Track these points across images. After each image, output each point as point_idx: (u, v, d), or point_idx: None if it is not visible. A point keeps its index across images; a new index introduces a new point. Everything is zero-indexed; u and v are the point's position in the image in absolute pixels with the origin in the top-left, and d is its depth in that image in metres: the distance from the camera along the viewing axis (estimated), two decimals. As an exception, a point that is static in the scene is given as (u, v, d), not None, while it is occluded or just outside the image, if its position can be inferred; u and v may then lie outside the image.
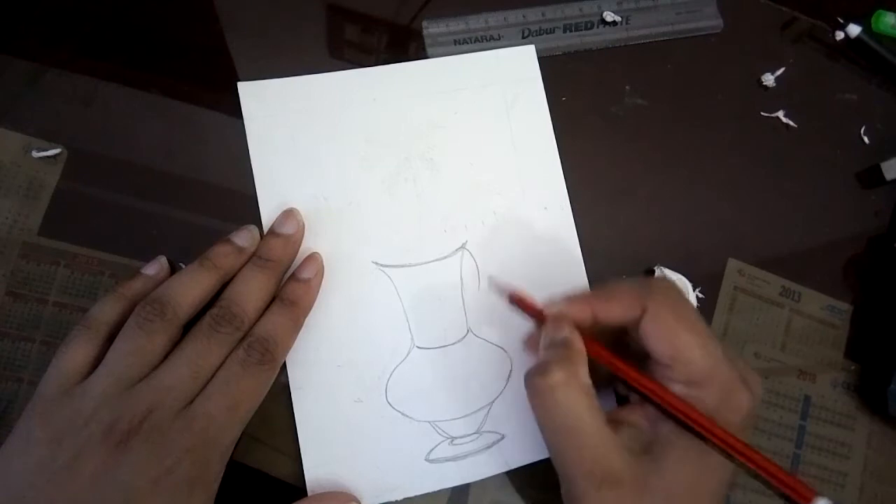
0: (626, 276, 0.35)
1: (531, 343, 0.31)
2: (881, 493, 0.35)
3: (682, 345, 0.26)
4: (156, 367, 0.27)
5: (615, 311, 0.27)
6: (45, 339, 0.32)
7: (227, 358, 0.28)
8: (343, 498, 0.30)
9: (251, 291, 0.30)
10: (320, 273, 0.32)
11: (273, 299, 0.31)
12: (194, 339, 0.28)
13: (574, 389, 0.26)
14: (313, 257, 0.33)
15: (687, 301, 0.28)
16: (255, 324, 0.30)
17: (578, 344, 0.27)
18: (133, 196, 0.34)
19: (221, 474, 0.28)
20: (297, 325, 0.31)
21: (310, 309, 0.32)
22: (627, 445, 0.26)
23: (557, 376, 0.26)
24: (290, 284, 0.32)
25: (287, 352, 0.30)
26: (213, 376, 0.28)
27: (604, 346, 0.28)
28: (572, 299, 0.28)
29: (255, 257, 0.31)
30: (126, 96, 0.35)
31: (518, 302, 0.30)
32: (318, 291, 0.32)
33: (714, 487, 0.26)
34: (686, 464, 0.26)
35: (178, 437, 0.26)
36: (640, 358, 0.28)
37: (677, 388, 0.26)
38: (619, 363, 0.27)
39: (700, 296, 0.35)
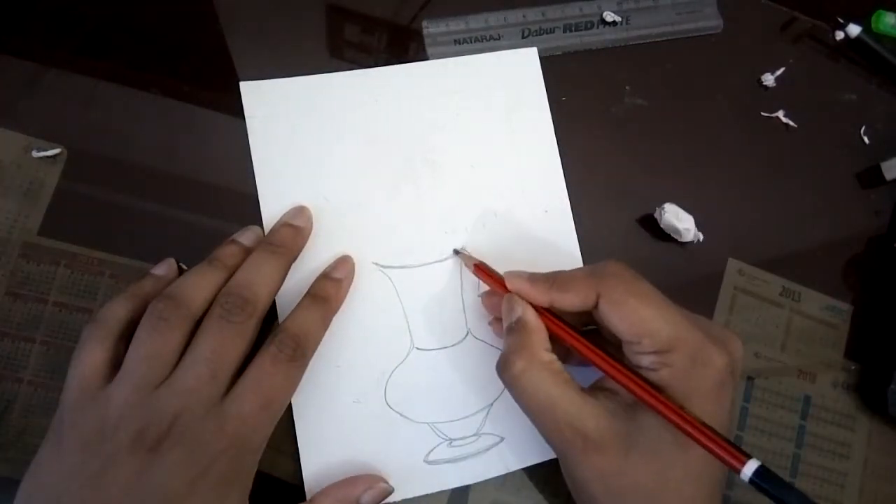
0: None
1: (487, 302, 0.32)
2: (881, 493, 0.35)
3: (641, 320, 0.27)
4: (175, 367, 0.27)
5: (571, 301, 0.28)
6: (45, 339, 0.32)
7: (255, 353, 0.28)
8: (370, 480, 0.30)
9: (262, 275, 0.30)
10: (351, 276, 0.33)
11: (303, 296, 0.31)
12: (208, 334, 0.28)
13: (536, 372, 0.27)
14: (346, 259, 0.33)
15: (640, 279, 0.28)
16: (285, 319, 0.30)
17: (534, 321, 0.28)
18: (133, 196, 0.34)
19: (255, 469, 0.28)
20: (326, 322, 0.31)
21: (338, 309, 0.32)
22: (608, 408, 0.27)
23: (518, 366, 0.27)
24: (322, 281, 0.32)
25: (316, 348, 0.30)
26: (241, 372, 0.28)
27: (556, 320, 0.28)
28: (532, 281, 0.29)
29: (264, 243, 0.31)
30: (126, 96, 0.35)
31: (482, 274, 0.31)
32: (346, 293, 0.32)
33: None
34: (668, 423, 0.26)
35: (211, 438, 0.26)
36: (616, 337, 0.29)
37: (648, 359, 0.27)
38: (568, 336, 0.28)
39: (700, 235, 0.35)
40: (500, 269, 0.31)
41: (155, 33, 0.36)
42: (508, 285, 0.29)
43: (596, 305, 0.28)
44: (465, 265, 0.33)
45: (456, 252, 0.33)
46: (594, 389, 0.29)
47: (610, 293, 0.27)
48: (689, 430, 0.25)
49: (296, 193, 0.34)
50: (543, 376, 0.27)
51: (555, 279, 0.29)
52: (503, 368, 0.28)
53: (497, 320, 0.32)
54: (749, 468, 0.24)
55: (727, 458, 0.25)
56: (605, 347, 0.28)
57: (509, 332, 0.28)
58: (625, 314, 0.27)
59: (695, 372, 0.26)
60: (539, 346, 0.28)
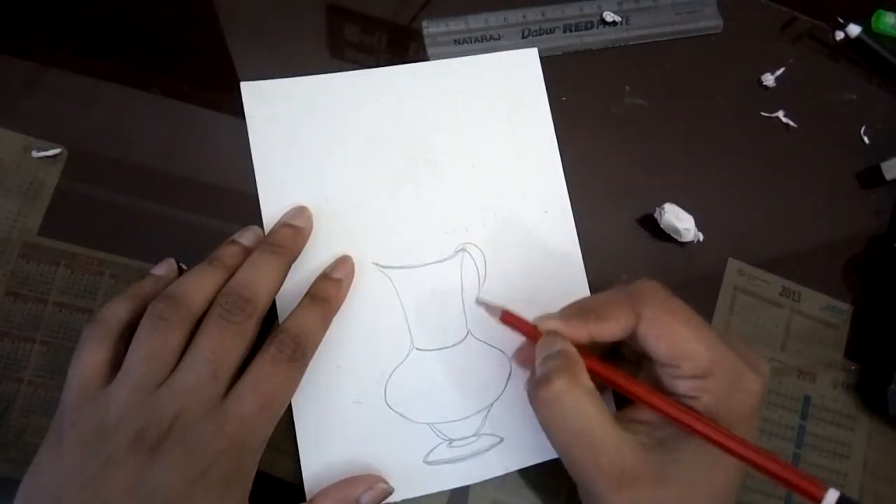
0: (625, 275, 0.35)
1: (521, 357, 0.31)
2: (881, 492, 0.35)
3: (682, 341, 0.26)
4: (175, 367, 0.27)
5: (612, 329, 0.27)
6: (45, 339, 0.32)
7: (255, 353, 0.28)
8: (370, 480, 0.30)
9: (262, 275, 0.30)
10: (350, 276, 0.32)
11: (303, 296, 0.31)
12: (208, 334, 0.28)
13: (579, 394, 0.26)
14: (345, 259, 0.33)
15: (676, 298, 0.28)
16: (285, 319, 0.30)
17: (574, 352, 0.27)
18: (133, 196, 0.34)
19: (255, 469, 0.28)
20: (326, 323, 0.31)
21: (337, 310, 0.32)
22: (641, 442, 0.26)
23: (560, 384, 0.25)
24: (322, 282, 0.32)
25: (316, 349, 0.30)
26: (241, 372, 0.28)
27: (598, 360, 0.27)
28: (567, 319, 0.27)
29: (264, 244, 0.31)
30: (126, 96, 0.35)
31: (511, 321, 0.29)
32: (346, 293, 0.32)
33: (733, 474, 0.26)
34: (703, 452, 0.26)
35: (211, 438, 0.26)
36: (637, 359, 0.28)
37: (686, 384, 0.26)
38: (613, 375, 0.27)
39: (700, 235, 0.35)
40: (500, 269, 0.31)
41: (155, 33, 0.36)
42: (542, 328, 0.28)
43: (635, 329, 0.27)
44: (492, 315, 0.30)
45: (479, 303, 0.31)
46: (625, 421, 0.27)
47: (650, 313, 0.26)
48: (765, 463, 0.24)
49: (296, 193, 0.34)
50: (586, 400, 0.25)
51: (589, 312, 0.27)
52: (541, 386, 0.26)
53: (524, 356, 0.31)
54: (831, 497, 0.24)
55: (807, 487, 0.24)
56: (650, 384, 0.27)
57: (547, 359, 0.27)
58: (663, 334, 0.26)
59: (733, 397, 0.26)
60: (581, 370, 0.26)
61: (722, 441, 0.25)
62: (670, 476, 0.26)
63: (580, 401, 0.26)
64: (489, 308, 0.30)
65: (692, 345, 0.26)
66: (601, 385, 0.27)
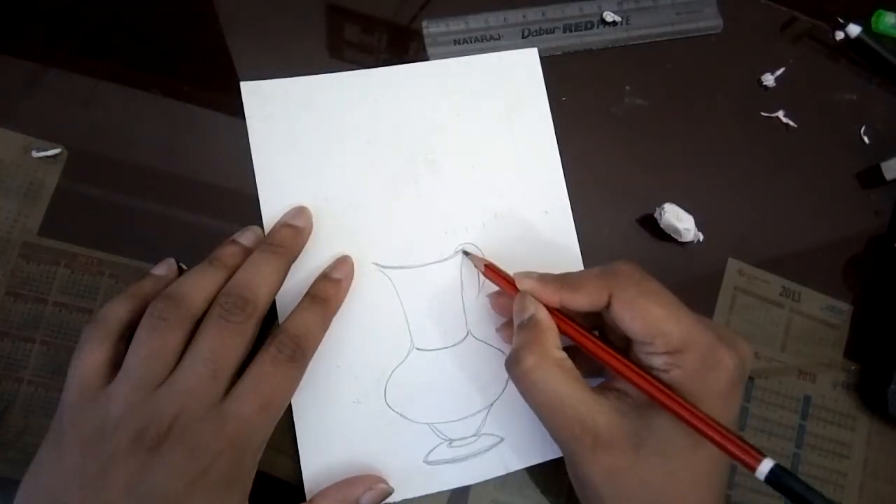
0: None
1: (496, 304, 0.32)
2: (881, 492, 0.35)
3: (654, 319, 0.27)
4: (175, 367, 0.27)
5: (582, 301, 0.28)
6: (45, 339, 0.32)
7: (255, 354, 0.28)
8: (370, 480, 0.30)
9: (262, 275, 0.30)
10: (350, 276, 0.33)
11: (303, 296, 0.31)
12: (207, 334, 0.28)
13: (547, 368, 0.27)
14: (345, 259, 0.33)
15: (651, 279, 0.28)
16: (285, 319, 0.30)
17: (545, 319, 0.28)
18: (133, 196, 0.34)
19: (255, 469, 0.28)
20: (325, 323, 0.31)
21: (337, 310, 0.32)
22: (618, 408, 0.27)
23: (529, 361, 0.27)
24: (322, 282, 0.32)
25: (316, 349, 0.30)
26: (240, 372, 0.28)
27: (569, 322, 0.28)
28: (543, 281, 0.29)
29: (264, 244, 0.31)
30: (126, 96, 0.35)
31: (492, 275, 0.31)
32: (346, 293, 0.32)
33: (714, 458, 0.27)
34: (679, 425, 0.26)
35: (211, 438, 0.26)
36: (624, 344, 0.29)
37: (659, 360, 0.27)
38: (578, 335, 0.28)
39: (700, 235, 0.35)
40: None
41: (155, 33, 0.36)
42: (518, 285, 0.29)
43: (607, 305, 0.28)
44: (475, 266, 0.32)
45: (465, 254, 0.33)
46: (603, 389, 0.29)
47: (622, 293, 0.27)
48: (703, 428, 0.25)
49: (296, 193, 0.34)
50: (554, 372, 0.27)
51: (565, 279, 0.29)
52: (513, 363, 0.28)
53: (505, 325, 0.32)
54: (764, 466, 0.24)
55: (742, 456, 0.25)
56: (617, 347, 0.28)
57: (520, 328, 0.28)
58: (637, 314, 0.27)
59: (706, 373, 0.26)
60: (551, 343, 0.28)
61: (662, 399, 0.26)
62: (646, 444, 0.26)
63: (549, 374, 0.27)
64: (474, 260, 0.33)
65: (665, 323, 0.27)
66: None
